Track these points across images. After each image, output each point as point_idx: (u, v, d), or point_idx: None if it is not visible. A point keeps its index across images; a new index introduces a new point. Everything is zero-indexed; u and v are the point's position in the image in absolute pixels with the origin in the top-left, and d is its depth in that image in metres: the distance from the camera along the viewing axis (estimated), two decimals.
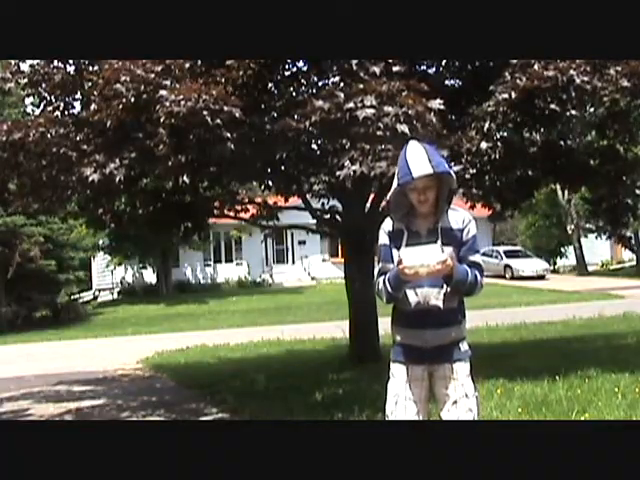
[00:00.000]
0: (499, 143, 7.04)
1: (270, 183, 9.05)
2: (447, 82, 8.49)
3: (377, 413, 5.82)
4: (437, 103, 6.01)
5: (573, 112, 7.18)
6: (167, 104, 5.78)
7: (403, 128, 5.74)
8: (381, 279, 3.26)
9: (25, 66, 7.20)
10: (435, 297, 3.19)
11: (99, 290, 33.73)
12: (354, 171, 6.02)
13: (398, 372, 3.30)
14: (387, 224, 3.33)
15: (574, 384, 7.08)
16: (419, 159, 3.12)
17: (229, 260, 34.26)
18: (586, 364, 8.09)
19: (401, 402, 3.26)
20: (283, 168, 7.86)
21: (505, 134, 7.24)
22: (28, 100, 14.08)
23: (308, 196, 9.58)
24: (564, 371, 7.66)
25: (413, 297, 3.22)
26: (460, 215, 3.27)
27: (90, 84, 6.76)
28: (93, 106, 6.61)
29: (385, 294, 3.25)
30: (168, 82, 6.09)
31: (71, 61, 6.98)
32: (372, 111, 5.81)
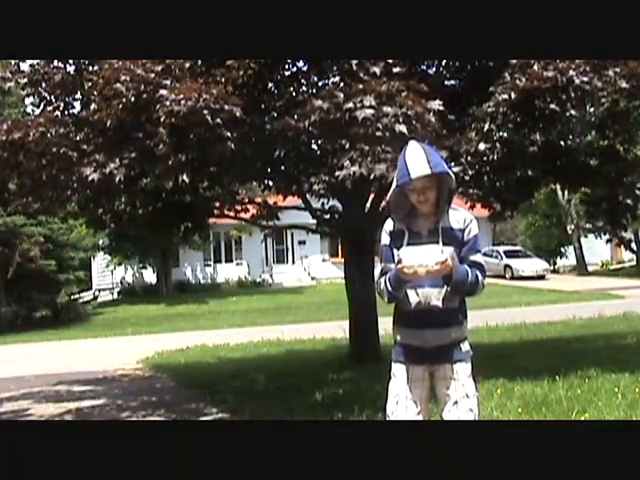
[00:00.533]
0: (498, 144, 7.03)
1: (270, 183, 9.06)
2: (447, 82, 8.49)
3: (377, 413, 5.82)
4: (436, 104, 6.00)
5: (573, 112, 7.17)
6: (167, 103, 5.77)
7: (402, 129, 5.74)
8: (383, 279, 3.27)
9: (25, 66, 7.20)
10: (436, 297, 3.19)
11: (99, 290, 33.73)
12: (353, 172, 6.02)
13: (399, 372, 3.31)
14: (388, 224, 3.33)
15: (574, 384, 7.07)
16: (417, 160, 3.12)
17: (229, 260, 34.26)
18: (586, 364, 8.09)
19: (402, 402, 3.27)
20: (283, 168, 7.86)
21: (505, 135, 7.24)
22: (28, 100, 14.08)
23: (308, 196, 9.58)
24: (564, 371, 7.65)
25: (414, 297, 3.22)
26: (461, 215, 3.27)
27: (90, 84, 6.76)
28: (93, 106, 6.60)
29: (386, 294, 3.26)
30: (168, 82, 6.08)
31: (71, 61, 6.98)
32: (371, 111, 5.81)
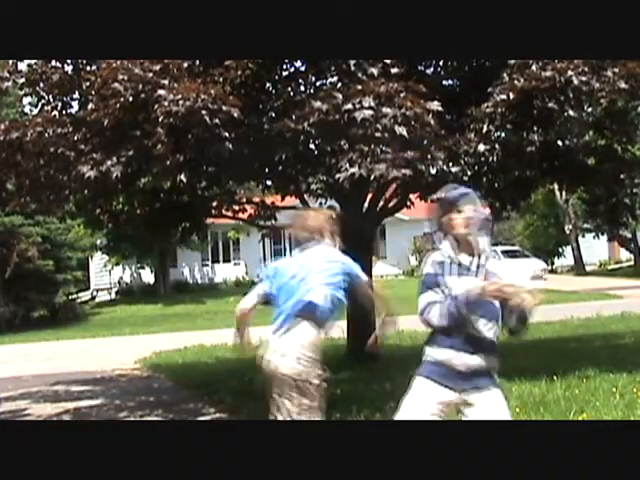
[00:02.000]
0: (497, 145, 7.03)
1: (268, 183, 9.06)
2: (445, 83, 8.48)
3: (375, 413, 5.82)
4: (435, 105, 6.00)
5: (571, 112, 7.17)
6: (165, 103, 5.77)
7: (401, 130, 5.74)
8: (448, 304, 3.21)
9: (23, 65, 7.19)
10: (487, 328, 3.28)
11: (97, 290, 33.71)
12: (353, 174, 6.02)
13: (427, 390, 3.23)
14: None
15: (572, 384, 7.07)
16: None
17: (227, 260, 34.23)
18: (584, 364, 8.08)
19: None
20: (281, 168, 7.85)
21: (503, 135, 7.24)
22: (26, 100, 14.07)
23: (306, 196, 9.56)
24: (562, 371, 7.65)
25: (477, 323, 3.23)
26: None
27: (88, 83, 6.75)
28: (91, 105, 6.61)
29: (448, 319, 3.19)
30: (166, 81, 6.07)
31: (69, 60, 6.97)
32: (370, 112, 5.80)
